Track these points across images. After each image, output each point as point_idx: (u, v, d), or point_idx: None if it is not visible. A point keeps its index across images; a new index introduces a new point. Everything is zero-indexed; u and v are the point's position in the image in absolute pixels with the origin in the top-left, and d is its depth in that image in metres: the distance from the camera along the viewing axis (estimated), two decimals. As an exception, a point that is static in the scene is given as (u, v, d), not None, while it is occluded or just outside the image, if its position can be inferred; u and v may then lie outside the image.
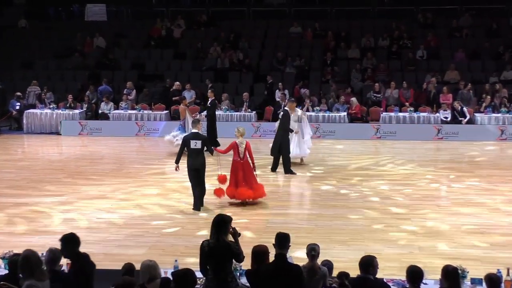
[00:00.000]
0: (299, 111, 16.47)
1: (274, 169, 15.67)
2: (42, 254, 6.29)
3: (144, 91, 23.68)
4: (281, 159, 15.60)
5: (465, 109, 21.15)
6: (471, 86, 22.56)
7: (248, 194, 12.70)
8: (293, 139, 16.01)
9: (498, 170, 16.00)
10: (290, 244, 6.61)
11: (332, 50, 25.71)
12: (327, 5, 28.94)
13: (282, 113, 15.91)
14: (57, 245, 6.46)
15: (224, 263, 6.68)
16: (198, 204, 12.37)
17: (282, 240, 6.56)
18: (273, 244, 6.58)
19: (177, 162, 12.30)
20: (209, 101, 19.08)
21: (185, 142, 12.29)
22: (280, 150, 15.46)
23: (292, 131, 15.54)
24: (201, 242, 6.79)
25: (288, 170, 15.49)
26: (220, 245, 6.67)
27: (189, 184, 12.55)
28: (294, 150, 16.09)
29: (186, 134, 17.92)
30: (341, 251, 9.95)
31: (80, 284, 6.27)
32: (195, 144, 12.14)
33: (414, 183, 14.55)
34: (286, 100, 18.38)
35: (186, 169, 12.30)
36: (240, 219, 11.46)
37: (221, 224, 6.78)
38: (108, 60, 26.52)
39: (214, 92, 19.82)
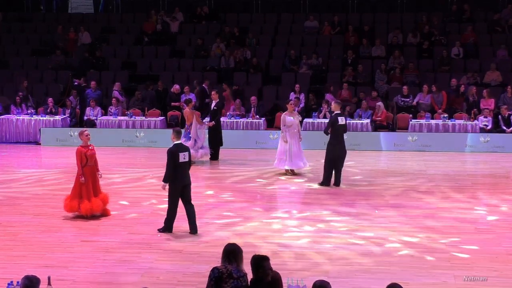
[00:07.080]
0: (296, 114, 17.43)
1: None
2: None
3: (136, 94, 23.75)
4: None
5: (512, 117, 21.18)
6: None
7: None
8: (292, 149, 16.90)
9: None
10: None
11: (353, 48, 25.76)
12: (348, -5, 29.07)
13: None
14: (34, 271, 6.47)
15: None
16: (195, 225, 12.33)
17: (260, 264, 6.76)
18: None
19: (167, 180, 12.14)
20: (214, 104, 19.21)
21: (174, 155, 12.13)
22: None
23: (328, 134, 15.96)
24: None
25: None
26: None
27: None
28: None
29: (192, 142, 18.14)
30: (364, 280, 9.92)
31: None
32: (184, 157, 12.13)
33: (450, 204, 14.52)
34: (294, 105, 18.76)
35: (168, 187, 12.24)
36: (245, 240, 11.45)
37: (232, 254, 6.97)
38: (95, 58, 26.63)
39: (219, 93, 19.92)
